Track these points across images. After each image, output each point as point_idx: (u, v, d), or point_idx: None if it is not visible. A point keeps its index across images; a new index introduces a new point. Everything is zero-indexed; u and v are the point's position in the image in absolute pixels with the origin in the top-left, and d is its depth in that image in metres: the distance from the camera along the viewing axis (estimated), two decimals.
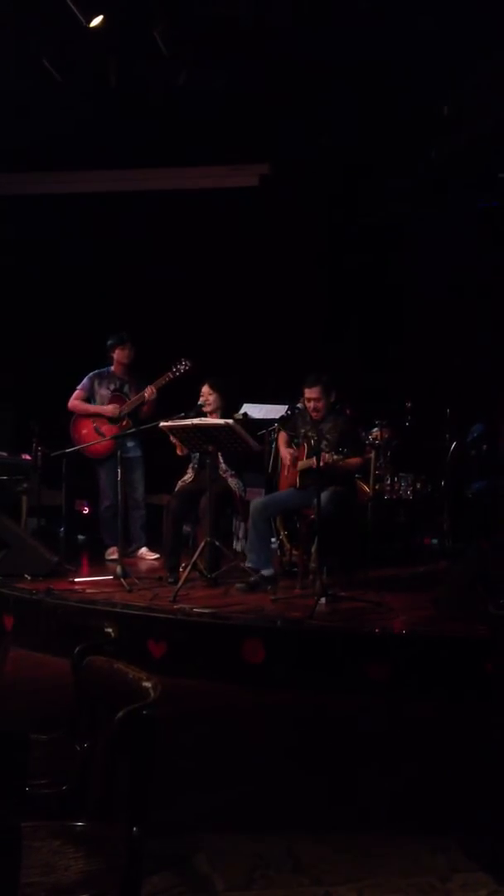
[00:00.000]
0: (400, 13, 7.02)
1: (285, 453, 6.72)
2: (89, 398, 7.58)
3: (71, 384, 7.64)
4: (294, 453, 6.59)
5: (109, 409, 7.48)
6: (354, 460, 6.17)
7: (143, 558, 7.64)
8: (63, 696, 2.76)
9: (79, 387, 7.59)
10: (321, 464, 5.85)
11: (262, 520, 6.42)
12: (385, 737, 4.47)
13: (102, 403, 7.55)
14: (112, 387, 7.59)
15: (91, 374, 7.64)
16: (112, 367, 7.66)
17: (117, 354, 7.62)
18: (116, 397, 7.54)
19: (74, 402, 7.57)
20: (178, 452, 6.88)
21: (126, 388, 7.59)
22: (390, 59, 7.48)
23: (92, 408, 7.53)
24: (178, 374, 7.29)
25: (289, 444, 6.74)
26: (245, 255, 9.47)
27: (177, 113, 8.67)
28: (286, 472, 6.80)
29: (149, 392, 7.34)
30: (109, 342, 7.65)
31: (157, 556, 7.59)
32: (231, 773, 3.95)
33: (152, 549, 7.69)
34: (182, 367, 7.27)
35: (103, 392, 7.58)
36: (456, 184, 8.57)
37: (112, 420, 7.47)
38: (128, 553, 7.31)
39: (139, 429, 7.12)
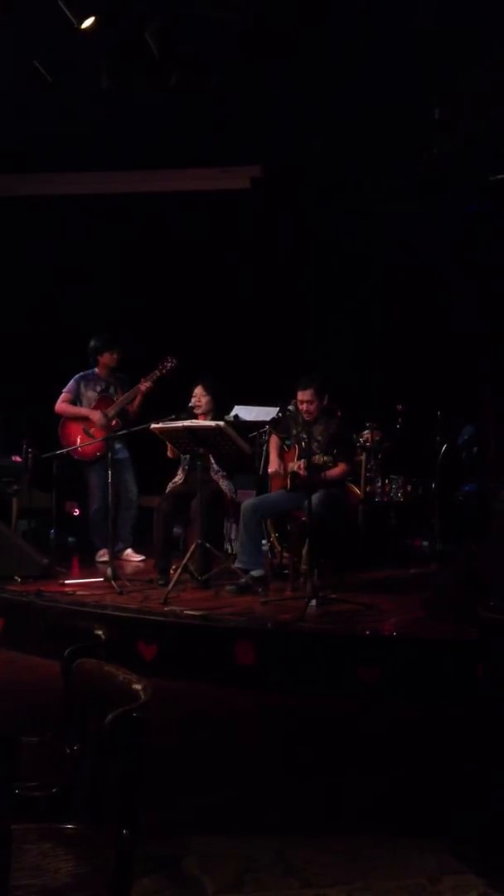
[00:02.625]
0: (393, 15, 7.03)
1: (275, 465, 6.67)
2: (75, 400, 7.57)
3: (61, 385, 7.63)
4: (280, 469, 6.57)
5: (96, 416, 7.44)
6: (339, 469, 6.14)
7: (128, 559, 7.63)
8: (53, 698, 2.75)
9: (65, 389, 7.58)
10: (310, 466, 5.85)
11: (253, 521, 6.42)
12: (375, 739, 4.47)
13: (89, 405, 7.54)
14: (98, 388, 7.59)
15: (76, 376, 7.63)
16: (97, 370, 7.65)
17: (105, 359, 7.61)
18: (103, 399, 7.54)
19: (61, 405, 7.54)
20: (169, 455, 6.87)
21: (112, 390, 7.58)
22: (383, 63, 7.49)
23: (80, 410, 7.51)
24: (164, 371, 7.29)
25: (280, 447, 6.73)
26: (236, 256, 9.49)
27: (168, 115, 8.67)
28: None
29: (144, 386, 7.33)
30: (95, 345, 7.63)
31: (142, 557, 7.59)
32: (222, 776, 3.95)
33: (138, 550, 7.69)
34: (169, 364, 7.28)
35: (90, 394, 7.57)
36: (446, 187, 8.59)
37: (100, 425, 7.44)
38: (113, 553, 7.30)
39: (129, 430, 7.12)
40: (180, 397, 7.06)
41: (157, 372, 7.31)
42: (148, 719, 2.05)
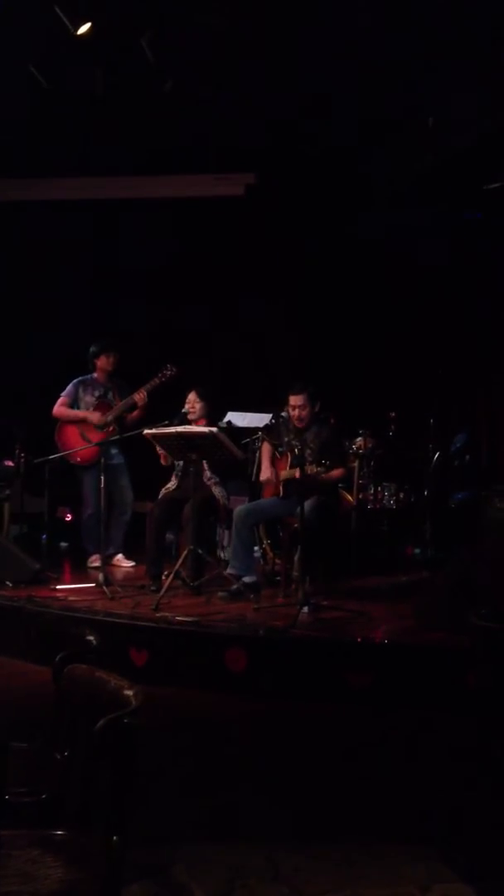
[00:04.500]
0: (386, 26, 7.05)
1: (267, 473, 6.66)
2: (73, 405, 7.56)
3: (55, 390, 7.62)
4: (272, 477, 6.57)
5: (96, 416, 7.45)
6: (336, 472, 6.18)
7: (118, 565, 7.62)
8: (44, 704, 2.74)
9: (63, 394, 7.57)
10: (304, 475, 5.86)
11: (245, 527, 6.42)
12: (366, 746, 4.46)
13: (87, 410, 7.53)
14: (96, 393, 7.58)
15: (75, 380, 7.62)
16: (95, 374, 7.65)
17: (101, 362, 7.61)
18: (101, 404, 7.54)
19: (59, 408, 7.53)
20: (163, 462, 6.86)
21: (110, 395, 7.58)
22: (377, 72, 7.51)
23: (79, 413, 7.50)
24: (164, 379, 7.29)
25: (273, 454, 6.73)
26: (230, 263, 9.49)
27: (162, 121, 8.68)
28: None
29: (139, 397, 7.33)
30: (93, 349, 7.64)
31: (132, 563, 7.59)
32: (211, 782, 3.94)
33: (129, 556, 7.68)
34: (168, 372, 7.28)
35: (88, 399, 7.56)
36: (441, 195, 8.61)
37: (98, 427, 7.45)
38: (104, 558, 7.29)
39: (123, 436, 7.11)
40: (175, 403, 7.06)
41: (156, 380, 7.30)
42: (139, 725, 2.04)
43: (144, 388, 7.33)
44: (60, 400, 7.55)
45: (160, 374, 7.30)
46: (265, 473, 6.69)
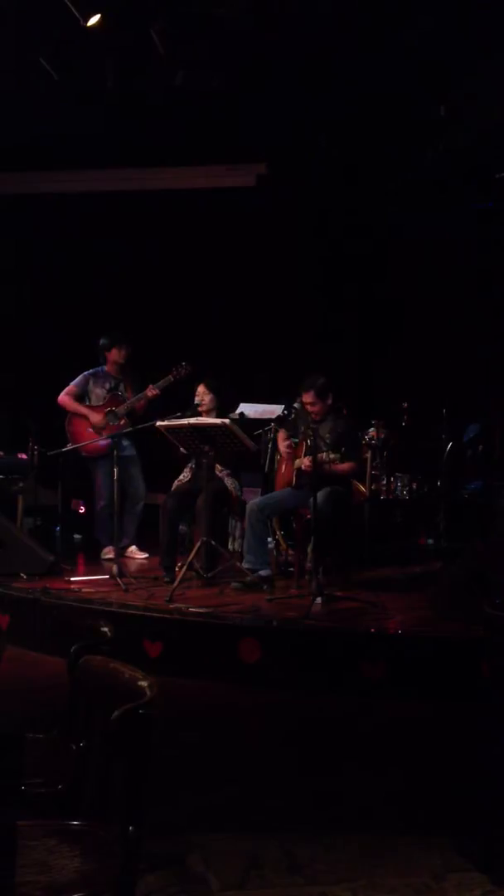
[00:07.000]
0: (398, 14, 7.02)
1: (283, 447, 6.71)
2: (82, 396, 7.55)
3: (67, 383, 7.61)
4: (291, 447, 6.58)
5: (96, 418, 7.43)
6: (347, 465, 6.17)
7: (131, 557, 7.63)
8: (59, 695, 2.76)
9: (72, 383, 7.54)
10: (317, 463, 5.85)
11: (258, 521, 6.43)
12: (380, 736, 4.47)
13: (98, 403, 7.53)
14: (107, 386, 7.58)
15: (86, 372, 7.61)
16: (106, 367, 7.64)
17: (113, 355, 7.60)
18: (113, 397, 7.53)
19: (64, 397, 7.49)
20: (183, 451, 6.84)
21: (121, 388, 7.58)
22: (389, 60, 7.48)
23: (80, 408, 7.50)
24: (178, 376, 7.28)
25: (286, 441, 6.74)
26: (242, 254, 9.47)
27: (174, 112, 8.66)
28: (283, 471, 6.80)
29: (150, 391, 7.33)
30: (103, 342, 7.62)
31: (146, 555, 7.60)
32: (226, 773, 3.96)
33: (142, 547, 7.69)
34: (182, 370, 7.26)
35: (99, 391, 7.56)
36: (453, 185, 8.57)
37: (101, 427, 7.42)
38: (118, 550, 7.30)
39: (135, 428, 7.12)
40: (186, 395, 7.06)
41: (170, 377, 7.29)
42: (154, 716, 2.05)
43: (157, 385, 7.33)
44: (68, 389, 7.52)
45: (174, 372, 7.28)
46: (281, 448, 6.70)
